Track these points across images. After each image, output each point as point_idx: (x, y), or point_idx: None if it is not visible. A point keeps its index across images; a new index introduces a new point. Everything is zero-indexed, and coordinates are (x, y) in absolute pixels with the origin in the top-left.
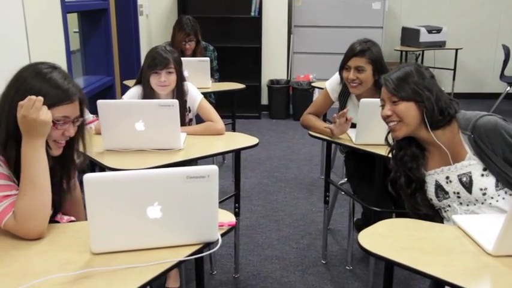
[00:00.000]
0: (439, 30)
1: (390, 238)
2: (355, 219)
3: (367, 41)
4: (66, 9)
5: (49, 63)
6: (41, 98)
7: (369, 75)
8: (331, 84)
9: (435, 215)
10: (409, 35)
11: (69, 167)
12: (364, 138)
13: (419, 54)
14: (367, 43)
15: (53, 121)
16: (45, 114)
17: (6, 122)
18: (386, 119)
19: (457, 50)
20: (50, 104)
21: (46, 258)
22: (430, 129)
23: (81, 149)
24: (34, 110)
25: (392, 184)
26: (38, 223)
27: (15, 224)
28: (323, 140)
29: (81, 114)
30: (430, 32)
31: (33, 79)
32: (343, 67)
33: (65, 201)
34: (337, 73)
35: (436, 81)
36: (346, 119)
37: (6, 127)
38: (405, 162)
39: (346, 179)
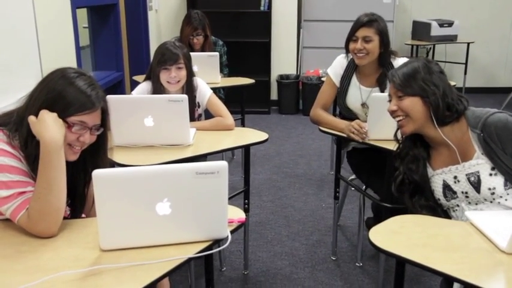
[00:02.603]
0: (450, 24)
1: (401, 235)
2: (365, 218)
3: (374, 14)
4: (75, 5)
5: (78, 69)
6: (54, 114)
7: (376, 46)
8: (334, 68)
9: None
10: (420, 29)
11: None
12: (375, 133)
13: (430, 48)
14: (374, 15)
15: (68, 124)
16: (56, 132)
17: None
18: (392, 114)
19: (468, 43)
20: (69, 111)
21: (56, 255)
22: (437, 125)
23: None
24: (44, 128)
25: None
26: (50, 225)
27: (28, 222)
28: (333, 135)
29: (102, 124)
30: (441, 25)
31: (57, 81)
32: (350, 39)
33: (83, 206)
34: (337, 58)
35: (445, 77)
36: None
37: (28, 125)
38: (406, 162)
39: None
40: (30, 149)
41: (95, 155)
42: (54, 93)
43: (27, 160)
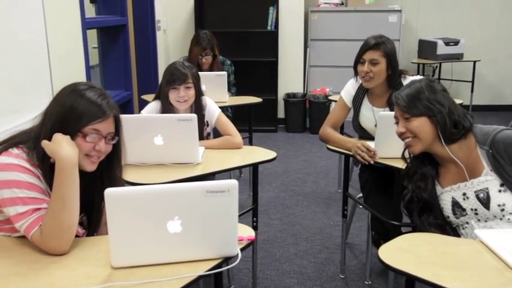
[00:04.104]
0: (456, 43)
1: (411, 253)
2: (373, 233)
3: (382, 36)
4: (86, 26)
5: (88, 82)
6: (67, 137)
7: (383, 69)
8: (346, 90)
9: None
10: (426, 48)
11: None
12: (383, 151)
13: (436, 66)
14: (382, 38)
15: (83, 134)
16: (70, 149)
17: (44, 137)
18: (401, 136)
19: (475, 62)
20: (82, 121)
21: (68, 272)
22: (444, 144)
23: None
24: (58, 147)
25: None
26: (62, 243)
27: (40, 239)
28: (341, 153)
29: (117, 132)
30: (447, 44)
31: (68, 96)
32: (358, 61)
33: (100, 221)
34: (349, 81)
35: (448, 95)
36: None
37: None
38: (414, 181)
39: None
40: (46, 168)
41: (110, 167)
42: (66, 107)
43: (45, 178)
